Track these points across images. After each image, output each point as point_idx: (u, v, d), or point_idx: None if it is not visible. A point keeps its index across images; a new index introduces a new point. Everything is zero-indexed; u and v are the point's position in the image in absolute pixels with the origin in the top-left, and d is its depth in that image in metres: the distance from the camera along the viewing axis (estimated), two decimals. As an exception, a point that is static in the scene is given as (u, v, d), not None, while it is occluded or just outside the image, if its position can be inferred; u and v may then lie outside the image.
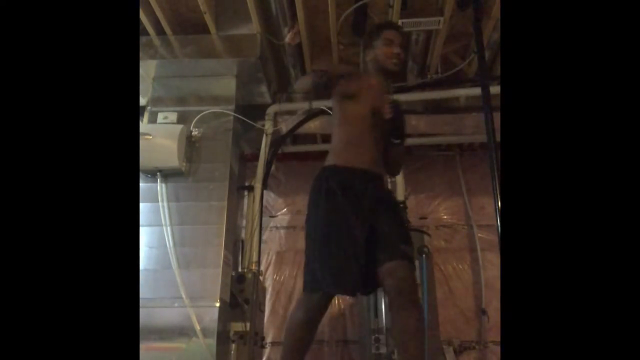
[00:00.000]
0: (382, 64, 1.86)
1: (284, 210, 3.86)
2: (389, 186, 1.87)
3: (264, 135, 3.11)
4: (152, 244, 2.58)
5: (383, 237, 1.64)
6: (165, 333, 2.42)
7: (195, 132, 2.81)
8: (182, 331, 2.41)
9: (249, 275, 2.76)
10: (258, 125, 3.12)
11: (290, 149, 3.81)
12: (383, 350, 2.89)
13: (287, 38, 2.67)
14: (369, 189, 1.68)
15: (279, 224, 3.81)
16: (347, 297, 3.55)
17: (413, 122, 3.36)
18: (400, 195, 3.57)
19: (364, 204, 1.65)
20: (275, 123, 3.20)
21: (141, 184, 2.67)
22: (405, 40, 1.98)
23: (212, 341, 2.39)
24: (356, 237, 1.61)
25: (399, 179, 3.62)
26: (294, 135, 3.48)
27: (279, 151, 3.49)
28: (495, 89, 2.41)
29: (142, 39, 2.73)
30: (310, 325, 1.65)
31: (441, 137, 3.62)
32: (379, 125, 1.76)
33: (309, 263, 1.69)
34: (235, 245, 2.94)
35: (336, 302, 3.56)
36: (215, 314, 2.43)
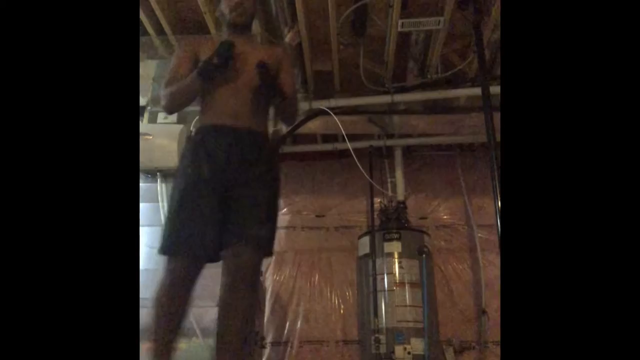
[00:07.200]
0: (227, 17, 1.79)
1: (284, 210, 3.86)
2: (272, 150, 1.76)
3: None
4: (152, 244, 2.57)
5: (237, 213, 1.58)
6: (165, 333, 2.41)
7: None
8: (182, 331, 2.41)
9: (249, 275, 2.75)
10: (258, 125, 3.12)
11: (290, 149, 3.82)
12: (383, 350, 2.90)
13: (287, 38, 2.67)
14: (226, 147, 1.60)
15: (279, 224, 3.79)
16: (347, 297, 3.56)
17: (413, 122, 3.37)
18: (400, 195, 3.58)
19: (219, 163, 1.58)
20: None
21: (141, 184, 2.68)
22: None
23: (212, 341, 2.39)
24: (210, 204, 1.55)
25: (399, 178, 3.63)
26: (294, 135, 3.48)
27: (279, 151, 3.50)
28: (495, 89, 2.41)
29: (142, 39, 2.73)
30: (173, 290, 1.55)
31: (441, 137, 3.62)
32: (246, 83, 1.67)
33: (165, 225, 1.59)
34: (235, 245, 2.93)
35: (336, 302, 3.56)
36: (215, 314, 2.43)
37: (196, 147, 1.63)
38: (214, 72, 1.62)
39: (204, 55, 1.70)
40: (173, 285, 1.54)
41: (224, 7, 1.81)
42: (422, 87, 3.07)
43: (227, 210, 1.59)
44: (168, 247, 1.55)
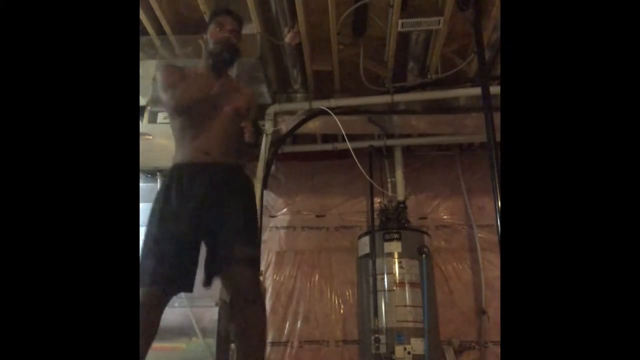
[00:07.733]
0: (211, 47, 1.82)
1: (284, 210, 3.86)
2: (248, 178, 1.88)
3: (264, 135, 3.11)
4: (152, 244, 2.57)
5: (221, 237, 1.64)
6: (165, 333, 2.42)
7: (195, 132, 2.80)
8: (182, 331, 2.41)
9: (249, 275, 2.75)
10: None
11: (290, 149, 3.82)
12: (383, 350, 2.90)
13: (287, 38, 2.67)
14: (201, 185, 1.66)
15: (279, 224, 3.81)
16: (347, 297, 3.56)
17: (413, 122, 3.37)
18: (400, 195, 3.58)
19: (195, 201, 1.64)
20: (275, 123, 3.20)
21: (141, 184, 2.68)
22: (238, 27, 1.90)
23: (212, 341, 2.39)
24: (185, 238, 1.61)
25: (399, 178, 3.64)
26: (294, 135, 3.48)
27: (279, 151, 3.50)
28: (495, 89, 2.41)
29: (142, 39, 2.73)
30: (145, 320, 1.51)
31: (441, 137, 3.62)
32: (219, 116, 1.77)
33: (141, 258, 1.63)
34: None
35: (336, 302, 3.56)
36: (215, 314, 2.43)
37: (175, 185, 1.69)
38: (225, 65, 1.81)
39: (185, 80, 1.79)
40: (144, 313, 1.51)
41: (210, 39, 1.84)
42: (422, 87, 3.07)
43: (211, 240, 1.66)
44: (143, 278, 1.56)
